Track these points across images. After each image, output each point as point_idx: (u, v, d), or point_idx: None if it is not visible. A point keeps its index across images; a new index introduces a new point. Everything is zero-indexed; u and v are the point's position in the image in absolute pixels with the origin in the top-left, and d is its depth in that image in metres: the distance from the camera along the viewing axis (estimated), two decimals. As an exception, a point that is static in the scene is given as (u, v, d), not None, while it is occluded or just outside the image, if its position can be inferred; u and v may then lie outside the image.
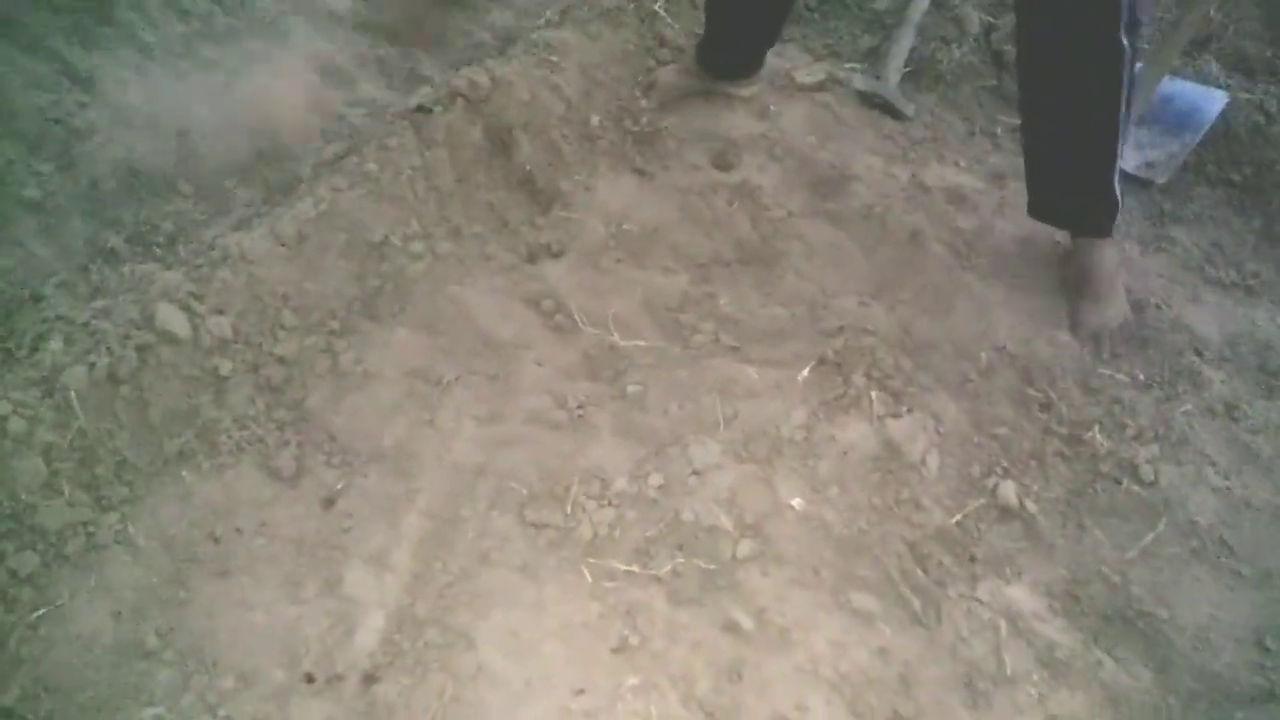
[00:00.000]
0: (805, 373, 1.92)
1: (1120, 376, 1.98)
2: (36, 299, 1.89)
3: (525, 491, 1.73)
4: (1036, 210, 2.10)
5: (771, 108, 2.46)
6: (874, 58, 2.59)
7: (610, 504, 1.72)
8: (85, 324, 1.73)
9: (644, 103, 2.42)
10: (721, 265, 2.14)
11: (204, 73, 2.36)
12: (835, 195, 2.28)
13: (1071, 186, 2.02)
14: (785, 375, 1.91)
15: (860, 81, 2.51)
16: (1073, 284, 2.10)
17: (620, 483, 1.75)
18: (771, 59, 2.48)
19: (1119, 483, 1.80)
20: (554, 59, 2.34)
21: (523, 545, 1.67)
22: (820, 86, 2.52)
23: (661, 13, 2.55)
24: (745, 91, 2.47)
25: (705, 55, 2.41)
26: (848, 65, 2.59)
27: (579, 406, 1.87)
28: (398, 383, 1.89)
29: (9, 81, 2.25)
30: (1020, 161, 2.09)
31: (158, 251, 1.98)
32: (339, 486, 1.73)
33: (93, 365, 1.65)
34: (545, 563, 1.64)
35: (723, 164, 2.34)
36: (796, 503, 1.72)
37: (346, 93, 2.38)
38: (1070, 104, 1.87)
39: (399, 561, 1.63)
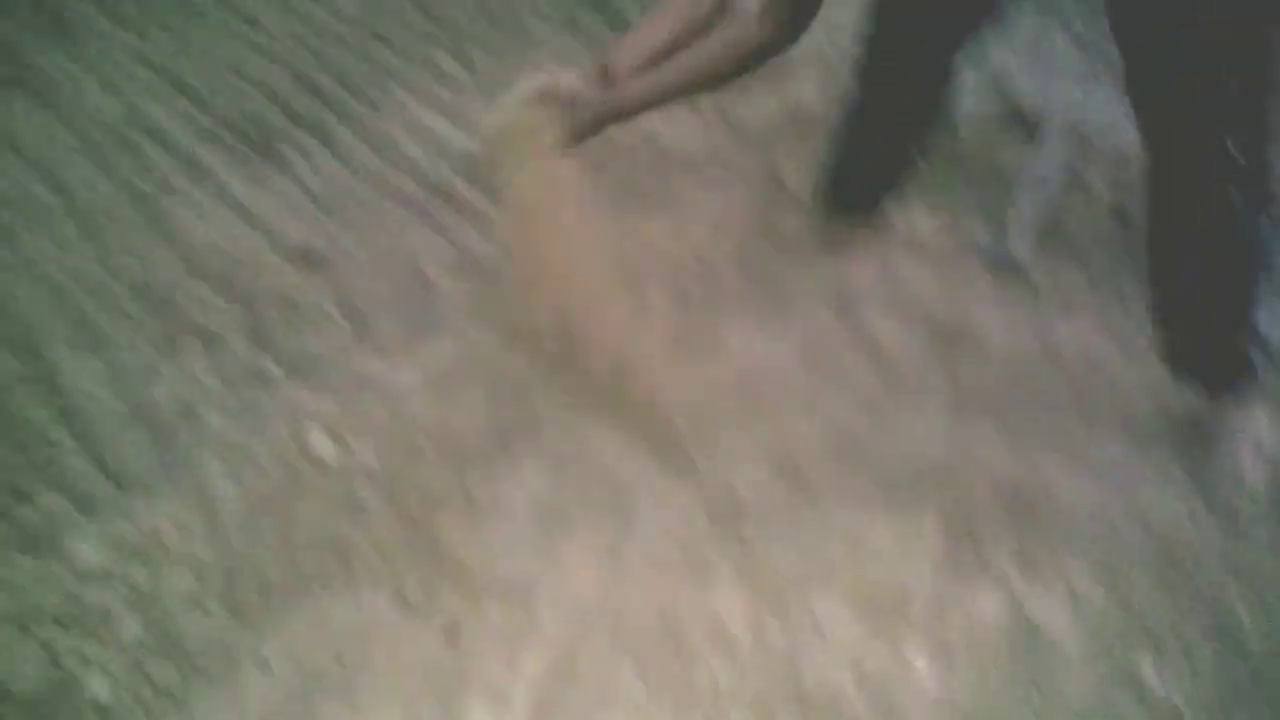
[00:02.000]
0: (934, 531, 1.89)
1: (1264, 554, 1.89)
2: (193, 418, 2.03)
3: (643, 634, 1.73)
4: (1165, 359, 2.06)
5: (892, 259, 2.50)
6: (997, 214, 2.63)
7: (729, 653, 1.70)
8: (240, 444, 1.84)
9: (767, 252, 2.50)
10: (845, 415, 2.15)
11: (358, 212, 2.55)
12: (957, 350, 2.28)
13: (1201, 341, 1.99)
14: (913, 532, 1.89)
15: (983, 237, 2.54)
16: (1206, 449, 2.04)
17: (739, 632, 1.73)
18: (894, 209, 2.54)
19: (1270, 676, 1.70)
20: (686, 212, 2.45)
21: (640, 689, 1.66)
22: (941, 240, 2.56)
23: (787, 169, 2.66)
24: (866, 241, 2.52)
25: (824, 194, 2.48)
26: (970, 220, 2.63)
27: (698, 550, 1.88)
28: (524, 517, 1.93)
29: (183, 213, 2.48)
30: (1150, 322, 2.07)
31: (309, 378, 2.10)
32: (463, 618, 1.76)
33: (245, 486, 1.74)
34: (662, 709, 1.63)
35: (843, 313, 2.38)
36: (921, 667, 1.67)
37: (487, 231, 2.53)
38: (1199, 259, 1.86)
39: (518, 699, 1.63)
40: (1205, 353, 2.00)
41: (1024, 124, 2.79)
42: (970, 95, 2.89)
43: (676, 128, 2.77)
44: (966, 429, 2.11)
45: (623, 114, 1.90)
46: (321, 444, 1.83)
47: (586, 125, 1.88)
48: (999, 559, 1.81)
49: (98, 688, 1.52)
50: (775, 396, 2.21)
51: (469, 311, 2.18)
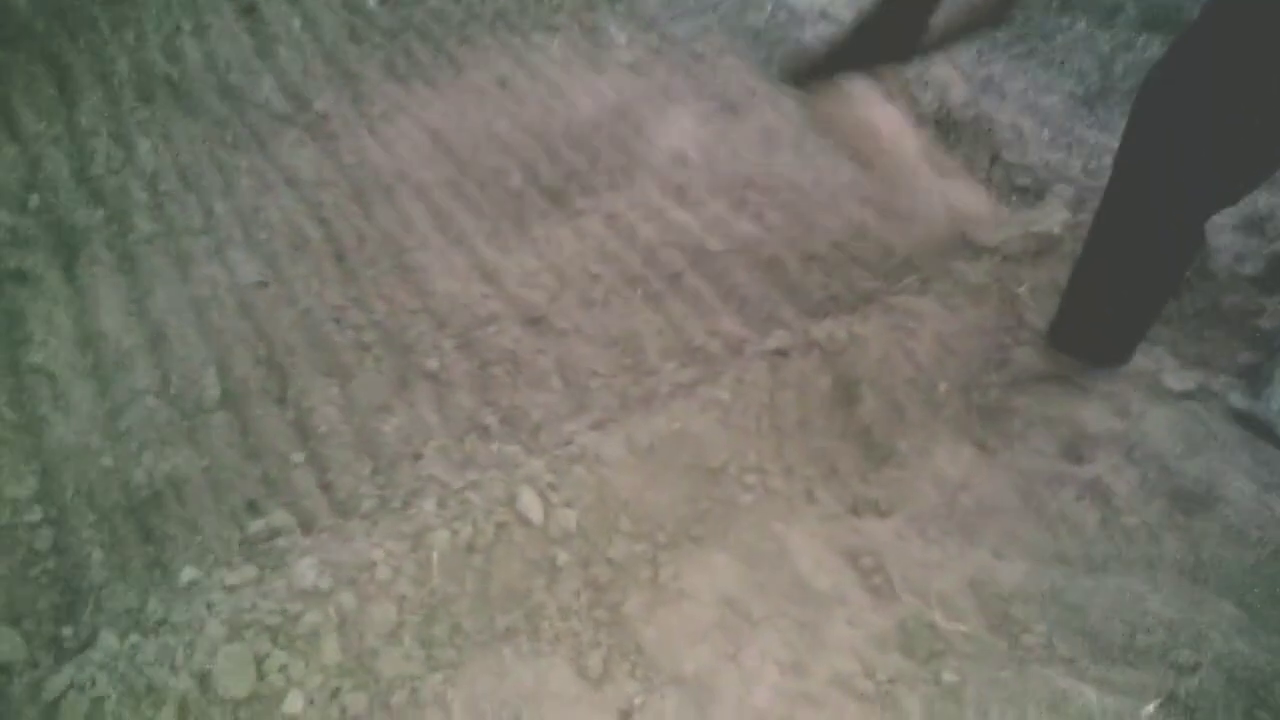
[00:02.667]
0: (1151, 709, 1.72)
1: None
2: (416, 457, 2.14)
3: (819, 759, 1.66)
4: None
5: (1133, 407, 2.34)
6: (1254, 376, 2.42)
7: (910, 799, 1.60)
8: (457, 491, 1.92)
9: (994, 379, 2.40)
10: (1062, 564, 2.01)
11: (590, 286, 2.65)
12: (1199, 513, 2.10)
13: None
14: (1127, 706, 1.73)
15: (1238, 399, 2.34)
16: None
17: (923, 778, 1.63)
18: (1138, 357, 2.40)
19: None
20: (911, 324, 2.40)
21: (809, 819, 1.58)
22: (1190, 395, 2.38)
23: (1025, 296, 2.56)
24: (1105, 384, 2.38)
25: (1065, 337, 2.38)
26: (1223, 378, 2.44)
27: (888, 681, 1.79)
28: (709, 607, 1.91)
29: (431, 268, 2.64)
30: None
31: (524, 436, 2.18)
32: (637, 701, 1.74)
33: (456, 532, 1.81)
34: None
35: (1072, 456, 2.24)
36: None
37: (708, 321, 2.56)
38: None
39: (684, 800, 1.59)
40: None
41: (1294, 281, 2.59)
42: (1231, 245, 2.72)
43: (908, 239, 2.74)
44: (1202, 606, 1.92)
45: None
46: (530, 503, 1.88)
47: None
48: (1233, 756, 1.62)
49: (294, 705, 1.59)
50: (987, 529, 2.10)
51: (685, 393, 2.20)
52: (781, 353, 2.25)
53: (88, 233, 2.68)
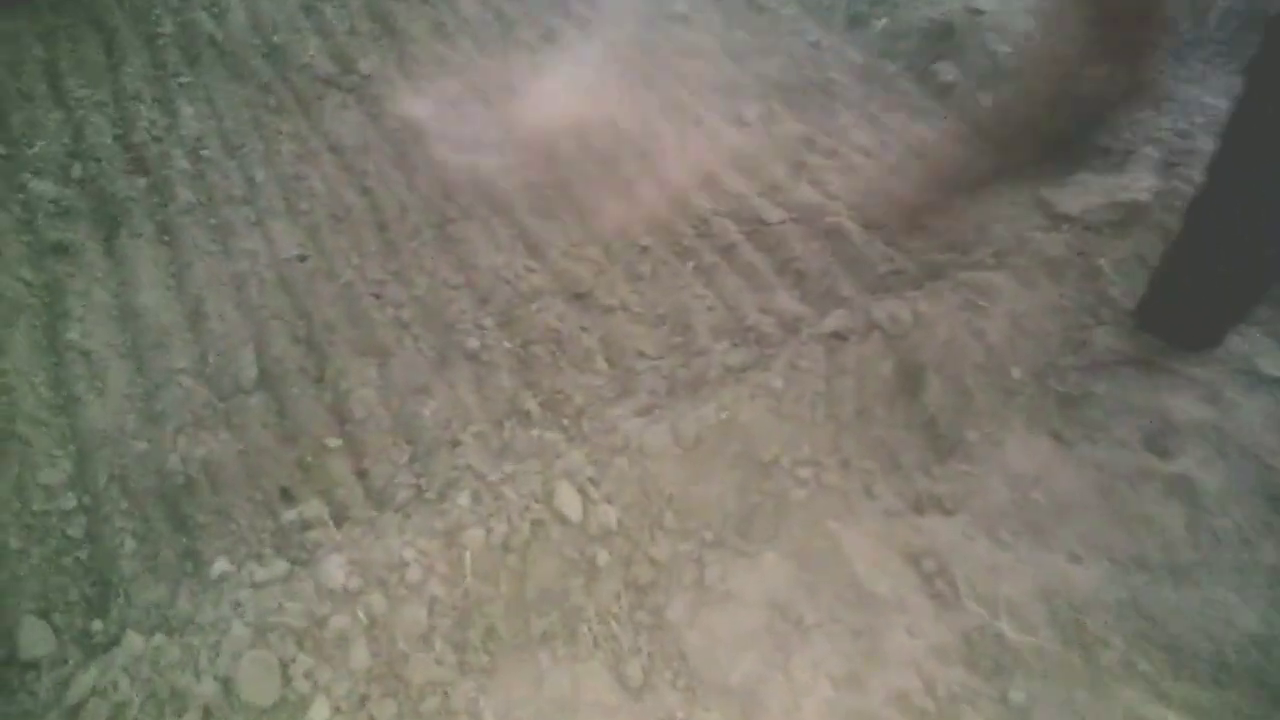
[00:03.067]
0: (1241, 739, 1.57)
1: None
2: (454, 444, 2.05)
3: (874, 781, 1.55)
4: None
5: (1226, 395, 2.15)
6: (1366, 360, 2.20)
7: (971, 830, 1.48)
8: (493, 485, 1.83)
9: (1072, 362, 2.22)
10: (1143, 570, 1.85)
11: (640, 260, 2.52)
12: (1300, 518, 1.92)
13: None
14: (1215, 734, 1.58)
15: (1347, 386, 2.13)
16: None
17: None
18: (1232, 339, 2.19)
19: None
20: (982, 303, 2.22)
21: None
22: (1291, 382, 2.17)
23: (1108, 269, 2.36)
24: (1195, 369, 2.18)
25: (1154, 316, 2.19)
26: (1329, 362, 2.22)
27: (950, 698, 1.67)
28: (757, 612, 1.80)
29: (476, 245, 2.54)
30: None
31: (565, 422, 2.08)
32: (680, 715, 1.65)
33: (491, 530, 1.72)
34: None
35: (1157, 448, 2.06)
36: None
37: (762, 296, 2.41)
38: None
39: (726, 824, 1.50)
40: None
41: None
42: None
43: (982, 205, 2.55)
44: (1300, 618, 1.75)
45: None
46: (568, 499, 1.78)
47: None
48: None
49: (320, 712, 1.53)
50: (1061, 530, 1.94)
51: (735, 379, 2.07)
52: (840, 336, 2.11)
53: (129, 203, 2.62)
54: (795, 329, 2.24)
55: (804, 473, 1.97)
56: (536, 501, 1.77)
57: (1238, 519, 1.91)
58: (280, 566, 1.74)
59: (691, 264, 2.51)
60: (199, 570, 1.81)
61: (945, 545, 1.91)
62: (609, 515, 1.80)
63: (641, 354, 2.27)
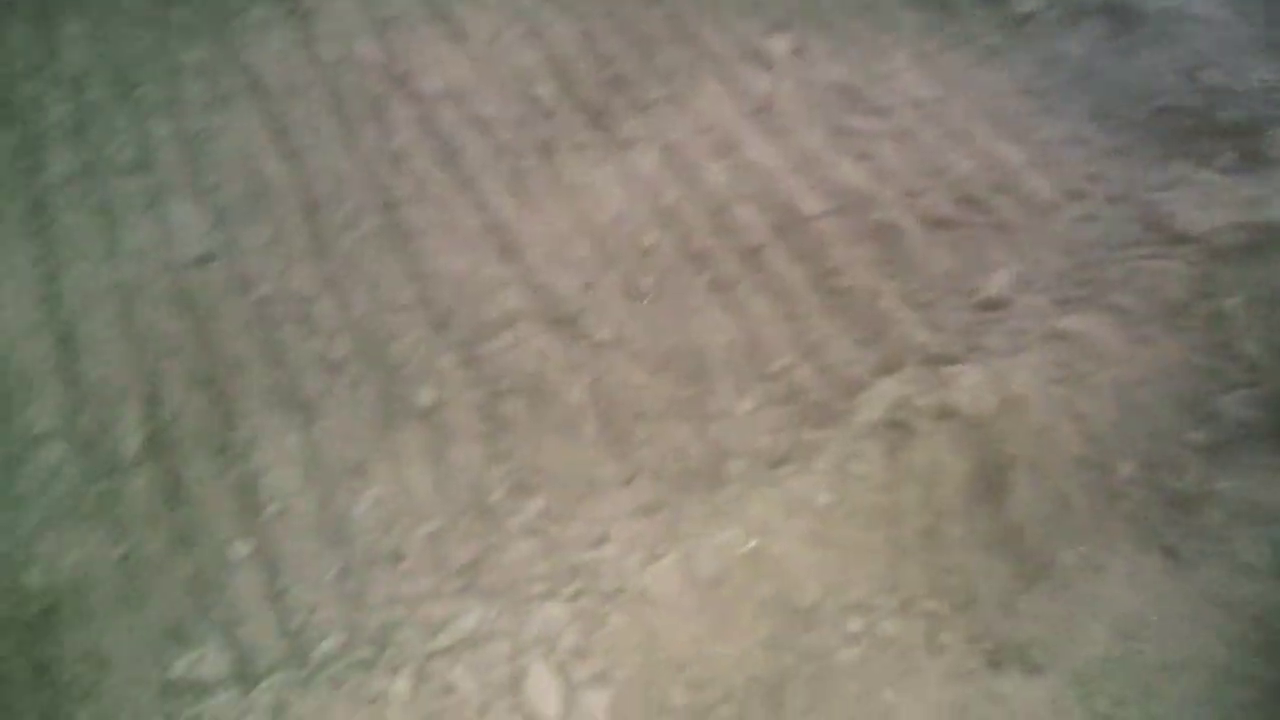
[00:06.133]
0: None
1: None
2: (396, 558, 1.58)
3: None
4: None
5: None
6: None
7: None
8: (439, 662, 1.37)
9: (1192, 446, 1.74)
10: None
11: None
12: None
13: None
14: None
15: None
16: None
17: None
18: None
19: None
20: (1082, 366, 1.72)
21: None
22: None
23: (1239, 314, 1.84)
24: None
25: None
26: None
27: None
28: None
29: (430, 231, 1.99)
30: None
31: (540, 522, 1.60)
32: None
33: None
34: None
35: (1297, 576, 1.62)
36: None
37: (796, 328, 1.90)
38: None
39: None
40: None
41: None
42: None
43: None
44: None
45: None
46: (542, 687, 1.33)
47: None
48: None
49: None
50: (1172, 690, 1.52)
51: (767, 482, 1.59)
52: (902, 425, 1.61)
53: (-15, 171, 2.04)
54: (844, 388, 1.73)
55: (854, 623, 1.51)
56: (498, 697, 1.32)
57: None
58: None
59: (706, 276, 1.98)
60: (55, 759, 1.38)
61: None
62: (597, 707, 1.35)
63: (641, 415, 1.77)
